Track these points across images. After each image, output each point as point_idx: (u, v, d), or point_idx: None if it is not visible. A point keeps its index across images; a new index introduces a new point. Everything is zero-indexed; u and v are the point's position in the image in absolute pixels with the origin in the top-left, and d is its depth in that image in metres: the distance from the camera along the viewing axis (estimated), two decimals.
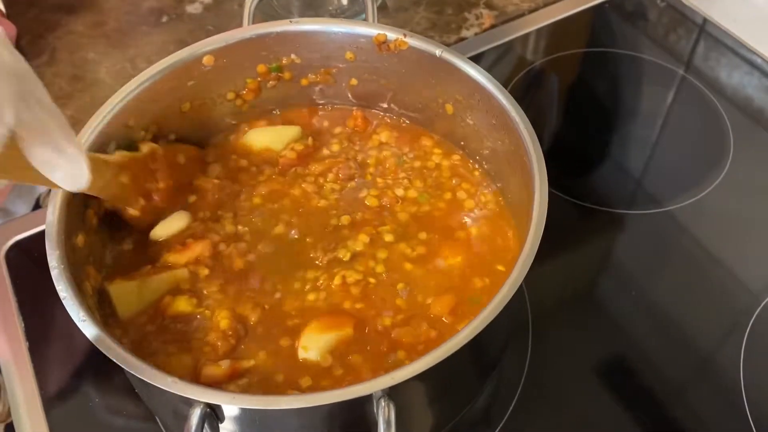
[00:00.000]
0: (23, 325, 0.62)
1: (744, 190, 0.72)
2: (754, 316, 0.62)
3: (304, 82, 0.64)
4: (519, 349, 0.60)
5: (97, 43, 0.86)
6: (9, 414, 0.73)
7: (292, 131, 0.63)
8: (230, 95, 0.62)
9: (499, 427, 0.56)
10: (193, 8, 0.91)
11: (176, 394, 0.39)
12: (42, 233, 0.67)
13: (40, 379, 0.59)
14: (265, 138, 0.63)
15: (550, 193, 0.69)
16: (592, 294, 0.65)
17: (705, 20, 0.89)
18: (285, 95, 0.65)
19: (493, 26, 0.88)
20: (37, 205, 0.87)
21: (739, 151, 0.74)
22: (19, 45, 0.85)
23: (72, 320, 0.62)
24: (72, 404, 0.58)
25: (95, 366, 0.60)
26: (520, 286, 0.62)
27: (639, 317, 0.63)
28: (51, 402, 0.58)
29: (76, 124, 0.52)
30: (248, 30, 0.59)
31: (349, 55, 0.61)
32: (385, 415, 0.39)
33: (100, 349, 0.42)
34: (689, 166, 0.74)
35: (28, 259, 0.67)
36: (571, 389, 0.58)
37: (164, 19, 0.89)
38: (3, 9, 0.86)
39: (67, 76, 0.82)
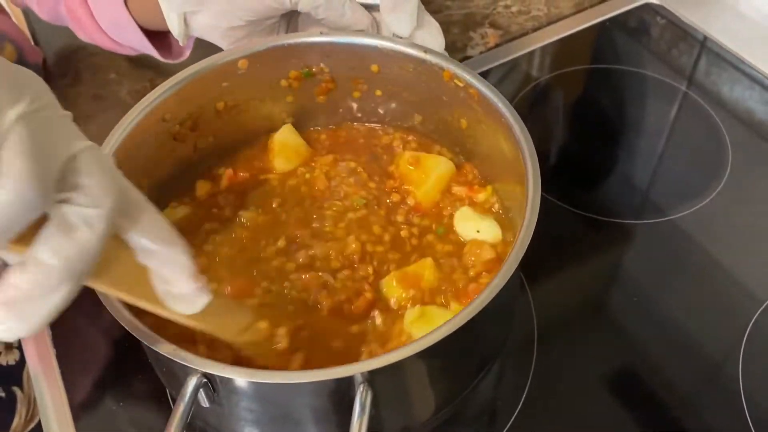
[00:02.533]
0: (51, 332, 0.65)
1: (742, 198, 0.74)
2: (753, 319, 0.64)
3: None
4: (523, 360, 0.62)
5: (118, 64, 0.90)
6: (26, 425, 0.76)
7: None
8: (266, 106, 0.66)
9: None
10: None
11: (177, 363, 0.42)
12: None
13: (68, 386, 0.62)
14: None
15: (556, 206, 0.72)
16: (597, 302, 0.67)
17: (705, 37, 0.91)
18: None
19: (497, 45, 0.91)
20: None
21: (737, 162, 0.77)
22: (45, 68, 0.89)
23: (98, 327, 0.65)
24: (98, 409, 0.61)
25: (121, 371, 0.63)
26: (528, 297, 0.65)
27: (643, 324, 0.64)
28: (78, 407, 0.60)
29: (98, 139, 0.56)
30: (280, 39, 0.62)
31: (374, 67, 0.64)
32: (361, 399, 0.42)
33: (109, 309, 0.45)
34: (690, 178, 0.77)
35: None
36: (573, 397, 0.60)
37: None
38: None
39: (90, 95, 0.86)
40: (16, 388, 0.79)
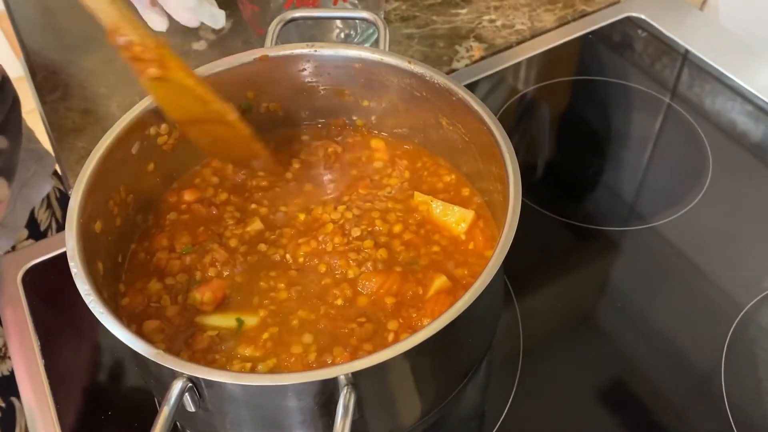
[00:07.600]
0: (39, 344, 0.65)
1: (721, 205, 0.75)
2: (734, 324, 0.65)
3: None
4: (509, 367, 0.62)
5: (107, 79, 0.90)
6: None
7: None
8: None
9: None
10: (198, 45, 0.95)
11: (162, 367, 0.43)
12: (58, 257, 0.71)
13: (57, 399, 0.62)
14: None
15: (541, 214, 0.73)
16: (581, 308, 0.68)
17: (687, 50, 0.93)
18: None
19: (482, 58, 0.92)
20: (32, 217, 0.90)
21: (718, 170, 0.78)
22: (34, 81, 0.90)
23: (90, 340, 0.66)
24: (86, 419, 0.61)
25: (113, 384, 0.63)
26: (514, 304, 0.66)
27: (627, 329, 0.65)
28: (66, 418, 0.61)
29: (88, 152, 0.57)
30: (267, 51, 0.64)
31: (360, 78, 0.65)
32: (345, 401, 0.42)
33: (96, 315, 0.45)
34: (673, 186, 0.78)
35: (44, 283, 0.70)
36: (558, 403, 0.61)
37: None
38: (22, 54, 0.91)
39: (80, 110, 0.87)
40: (14, 399, 0.78)
